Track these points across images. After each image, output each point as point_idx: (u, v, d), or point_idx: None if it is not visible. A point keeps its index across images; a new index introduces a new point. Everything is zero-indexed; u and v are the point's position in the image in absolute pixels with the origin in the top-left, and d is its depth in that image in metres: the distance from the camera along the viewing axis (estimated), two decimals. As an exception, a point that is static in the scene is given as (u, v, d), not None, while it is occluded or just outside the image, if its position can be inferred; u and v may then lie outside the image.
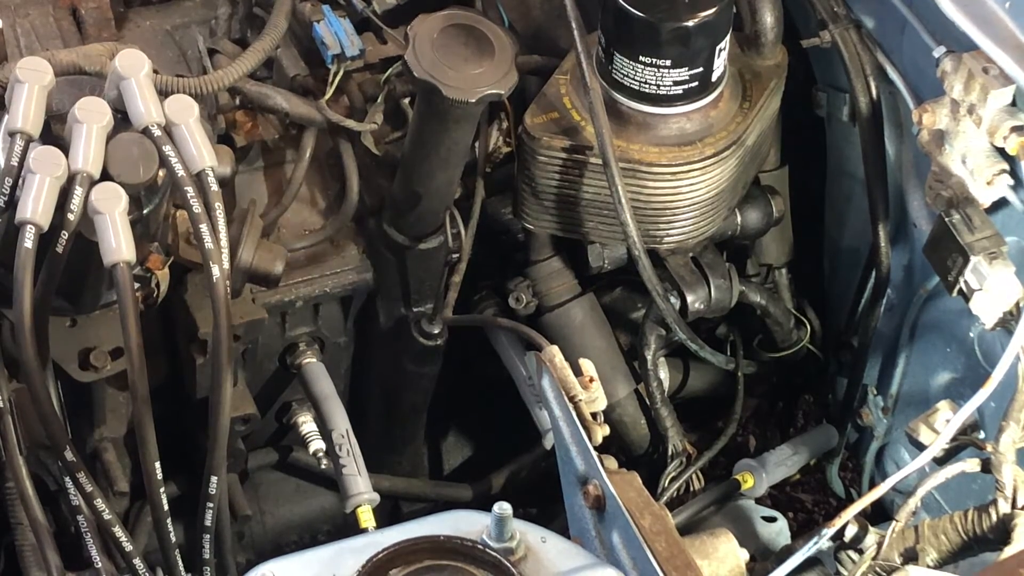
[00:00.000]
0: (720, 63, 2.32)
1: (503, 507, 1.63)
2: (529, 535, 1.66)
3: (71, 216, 1.88)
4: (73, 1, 2.37)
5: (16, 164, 1.89)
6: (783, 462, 2.75)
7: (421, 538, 1.61)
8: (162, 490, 2.03)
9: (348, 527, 2.46)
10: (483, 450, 2.95)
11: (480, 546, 1.61)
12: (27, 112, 1.91)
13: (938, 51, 2.18)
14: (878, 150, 2.46)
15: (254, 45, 2.31)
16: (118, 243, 1.88)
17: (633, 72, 2.29)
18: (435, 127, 2.26)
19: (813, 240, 2.79)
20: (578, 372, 1.93)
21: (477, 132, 2.40)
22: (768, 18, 2.43)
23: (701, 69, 2.29)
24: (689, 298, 2.49)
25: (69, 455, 1.99)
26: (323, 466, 2.44)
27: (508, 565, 1.59)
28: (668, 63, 2.27)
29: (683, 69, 2.28)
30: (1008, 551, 1.95)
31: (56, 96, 1.96)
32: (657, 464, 2.64)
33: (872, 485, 2.66)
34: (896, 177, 2.47)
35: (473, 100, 2.18)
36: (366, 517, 2.35)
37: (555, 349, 1.94)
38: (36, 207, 1.86)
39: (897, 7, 2.29)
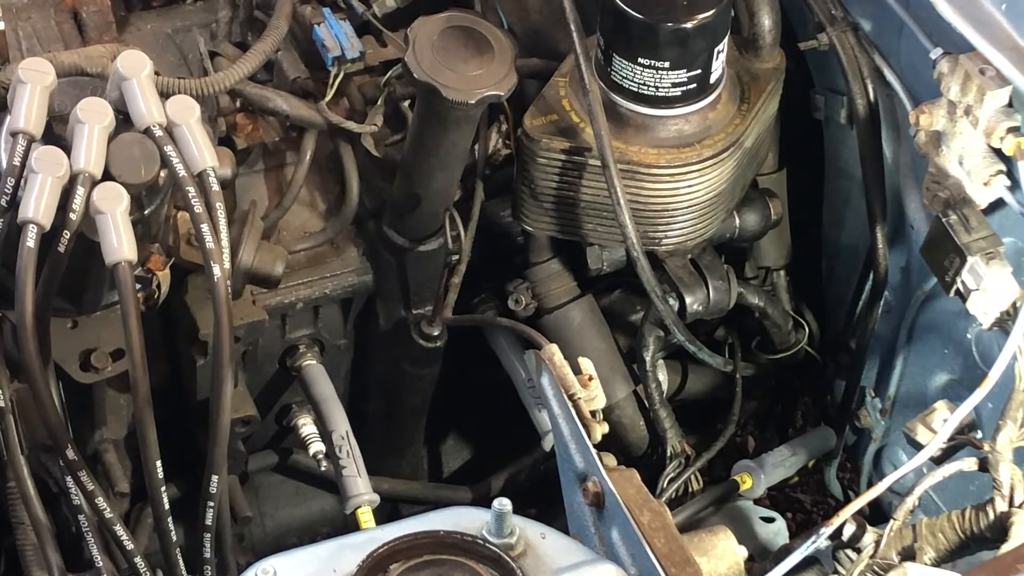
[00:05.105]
0: (718, 65, 2.32)
1: (503, 503, 1.63)
2: (529, 531, 1.66)
3: (73, 216, 1.88)
4: (74, 4, 2.37)
5: (18, 164, 1.90)
6: (781, 463, 2.75)
7: (421, 533, 1.62)
8: (163, 489, 2.03)
9: (348, 529, 2.43)
10: (482, 453, 2.95)
11: (480, 541, 1.61)
12: (29, 112, 1.92)
13: (935, 53, 2.19)
14: (875, 152, 2.47)
15: (254, 48, 2.32)
16: (120, 242, 1.89)
17: (632, 74, 2.30)
18: (435, 129, 2.26)
19: (811, 242, 2.79)
20: (577, 371, 1.94)
21: (476, 134, 2.41)
22: (766, 20, 2.44)
23: (699, 71, 2.30)
24: (688, 300, 2.49)
25: (70, 453, 1.99)
26: (323, 468, 2.44)
27: (508, 560, 1.60)
28: (667, 65, 2.27)
29: (681, 71, 2.29)
30: (1005, 549, 1.96)
31: (58, 97, 1.97)
32: (656, 465, 2.65)
33: (870, 487, 2.66)
34: (893, 179, 2.47)
35: (472, 101, 2.18)
36: (366, 518, 2.36)
37: (554, 347, 1.94)
38: (38, 207, 1.87)
39: (894, 9, 2.30)
